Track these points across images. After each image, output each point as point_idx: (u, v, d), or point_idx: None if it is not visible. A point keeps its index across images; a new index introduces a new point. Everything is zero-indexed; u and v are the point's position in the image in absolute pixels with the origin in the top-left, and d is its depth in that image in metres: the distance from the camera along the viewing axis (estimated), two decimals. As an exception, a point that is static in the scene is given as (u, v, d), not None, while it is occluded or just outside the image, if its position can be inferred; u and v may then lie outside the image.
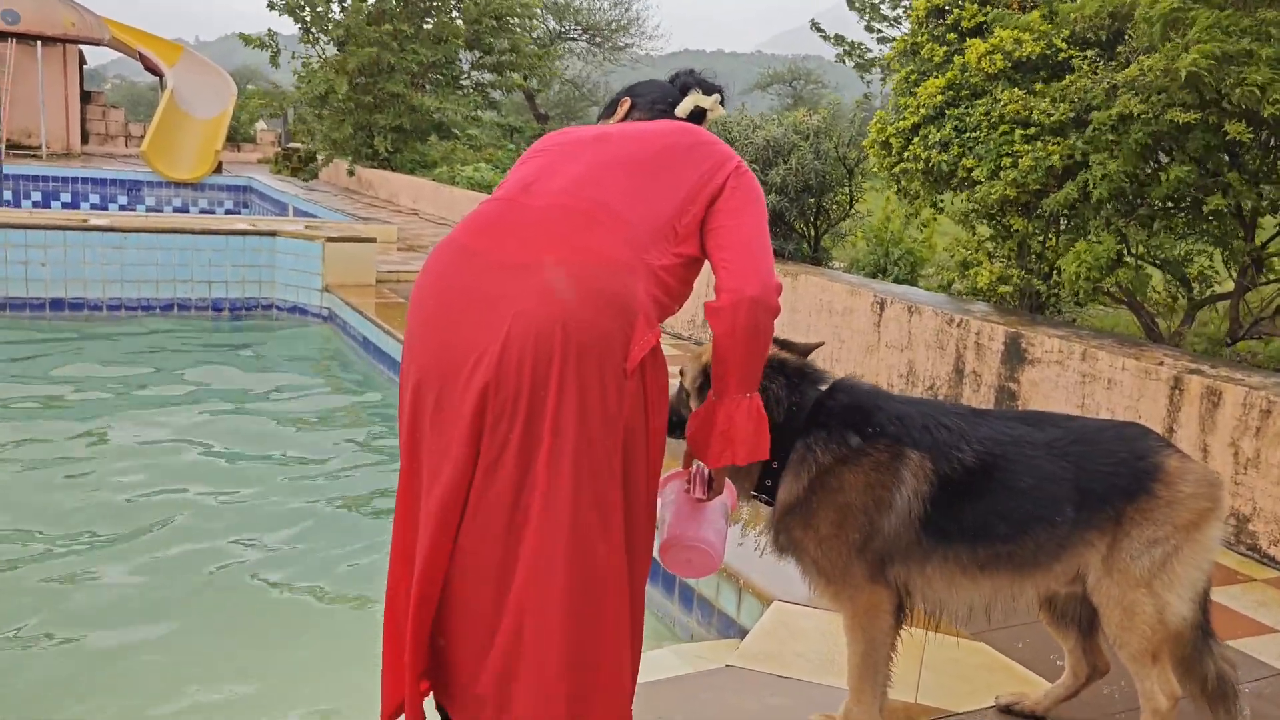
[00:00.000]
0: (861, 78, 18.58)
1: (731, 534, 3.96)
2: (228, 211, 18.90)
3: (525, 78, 23.57)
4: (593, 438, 1.93)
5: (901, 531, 2.36)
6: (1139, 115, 5.04)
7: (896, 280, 8.11)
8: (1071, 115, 5.56)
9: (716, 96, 2.49)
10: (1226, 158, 5.10)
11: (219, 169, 19.95)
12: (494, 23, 20.88)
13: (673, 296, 2.11)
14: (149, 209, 18.52)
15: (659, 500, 2.28)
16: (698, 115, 2.47)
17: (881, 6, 16.94)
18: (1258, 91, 4.54)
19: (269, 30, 20.12)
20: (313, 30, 19.81)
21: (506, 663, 2.00)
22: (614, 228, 2.01)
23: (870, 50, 18.21)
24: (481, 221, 2.07)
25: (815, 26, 18.46)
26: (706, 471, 2.36)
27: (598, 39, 30.12)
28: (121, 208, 18.47)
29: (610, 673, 2.03)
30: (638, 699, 2.85)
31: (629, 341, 1.95)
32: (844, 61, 18.73)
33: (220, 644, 3.83)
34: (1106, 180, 5.27)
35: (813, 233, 8.48)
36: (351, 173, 19.86)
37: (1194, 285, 5.93)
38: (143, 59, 22.61)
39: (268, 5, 19.66)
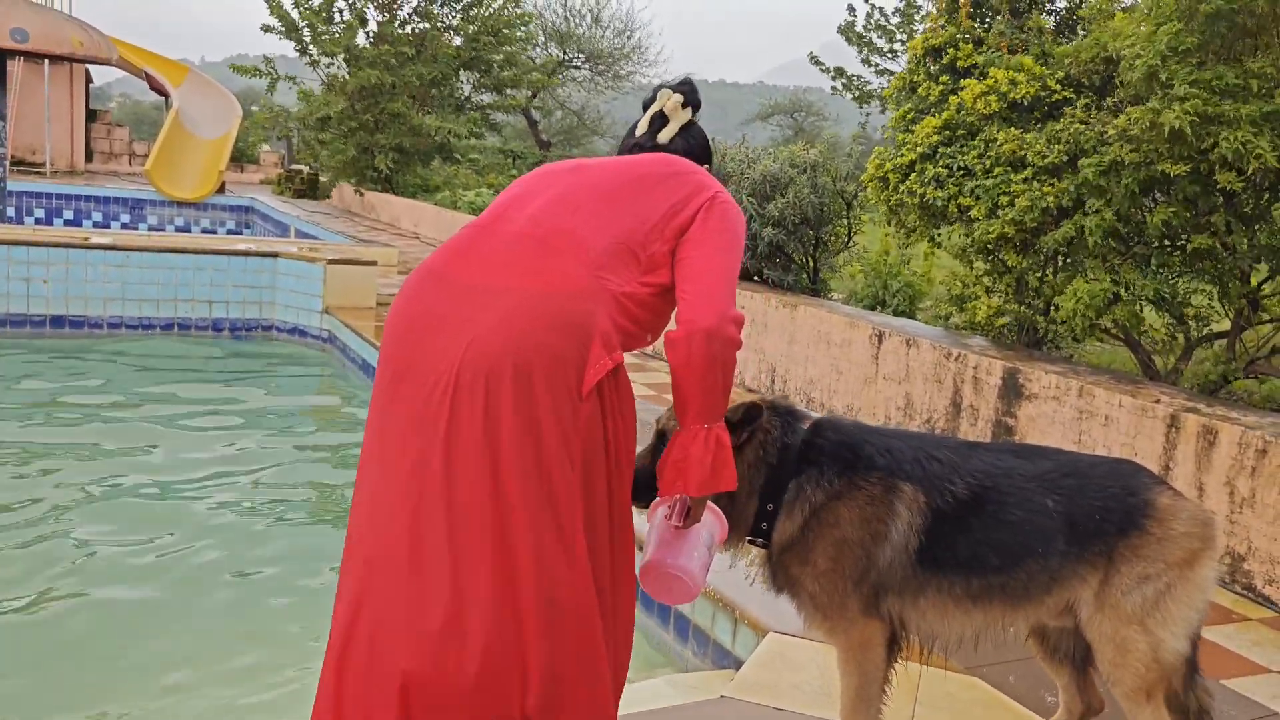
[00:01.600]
0: (860, 109, 18.72)
1: (724, 563, 3.97)
2: (230, 231, 18.95)
3: (531, 98, 23.74)
4: (547, 460, 1.95)
5: (896, 564, 2.38)
6: (1130, 163, 5.11)
7: (895, 313, 8.15)
8: (1065, 158, 5.63)
9: (670, 94, 2.44)
10: (1220, 199, 5.15)
11: (222, 189, 20.01)
12: (492, 39, 21.02)
13: (642, 325, 2.12)
14: (151, 228, 18.56)
15: (648, 525, 2.34)
16: (659, 121, 2.45)
17: (877, 41, 17.12)
18: (1241, 149, 4.62)
19: (265, 58, 20.23)
20: (311, 51, 19.94)
21: None
22: (573, 254, 2.04)
23: (869, 82, 18.36)
24: (454, 247, 2.14)
25: (814, 60, 18.62)
26: (687, 500, 2.34)
27: (600, 67, 30.31)
28: (124, 226, 18.51)
29: (580, 687, 2.03)
30: (632, 728, 2.85)
31: (584, 365, 1.97)
32: (841, 95, 18.89)
33: (217, 659, 3.82)
34: (1101, 226, 5.34)
35: (811, 264, 8.53)
36: (359, 193, 19.95)
37: (1191, 323, 5.97)
38: (149, 79, 22.73)
39: (262, 28, 19.77)
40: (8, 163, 14.23)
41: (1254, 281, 5.51)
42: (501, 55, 21.51)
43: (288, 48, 20.30)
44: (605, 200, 2.14)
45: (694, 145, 2.44)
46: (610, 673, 2.13)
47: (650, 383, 7.53)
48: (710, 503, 2.34)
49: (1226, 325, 5.80)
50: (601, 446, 2.03)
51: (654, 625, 4.05)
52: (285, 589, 4.54)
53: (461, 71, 21.74)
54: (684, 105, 2.43)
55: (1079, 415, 5.12)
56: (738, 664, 3.43)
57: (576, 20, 28.84)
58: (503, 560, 1.95)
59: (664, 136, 2.42)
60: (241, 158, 26.12)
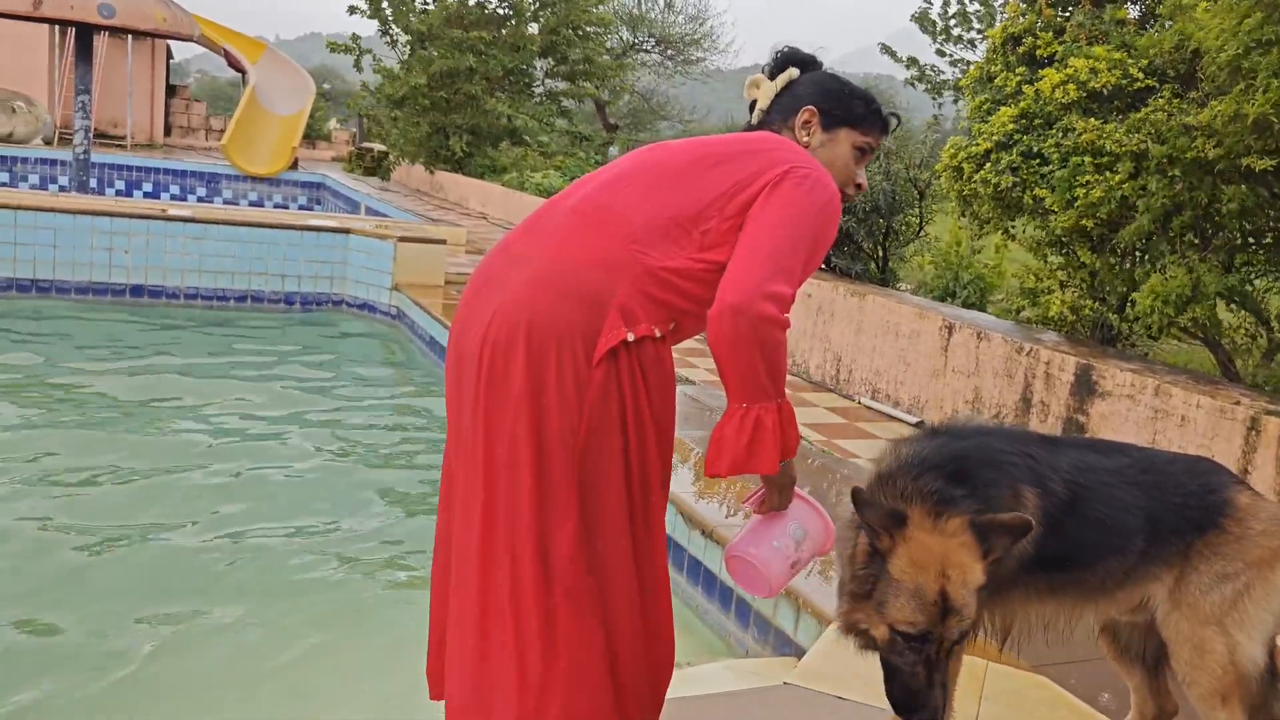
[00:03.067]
0: (933, 100, 18.43)
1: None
2: (301, 207, 19.26)
3: (597, 87, 23.76)
4: (549, 430, 1.97)
5: (1008, 569, 2.29)
6: (1213, 157, 4.98)
7: (965, 305, 8.04)
8: (1144, 147, 5.50)
9: (757, 82, 2.38)
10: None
11: (295, 165, 20.34)
12: (572, 33, 21.10)
13: (693, 300, 2.06)
14: (226, 202, 18.94)
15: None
16: (752, 105, 2.41)
17: (954, 29, 16.82)
18: None
19: (353, 35, 20.52)
20: (392, 30, 20.16)
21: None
22: (609, 227, 2.04)
23: (943, 72, 18.06)
24: (523, 223, 2.19)
25: (885, 49, 18.34)
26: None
27: (670, 51, 30.23)
28: (199, 199, 18.90)
29: (508, 692, 2.02)
30: (693, 709, 2.87)
31: (596, 334, 1.96)
32: (914, 86, 18.60)
33: (283, 631, 3.91)
34: (1178, 217, 5.22)
35: (881, 253, 8.44)
36: (431, 172, 20.16)
37: (1274, 324, 5.81)
38: (227, 55, 23.12)
39: (348, 9, 20.05)
40: (91, 135, 14.59)
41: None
42: (579, 52, 21.59)
43: (363, 28, 20.58)
44: (661, 178, 2.11)
45: (802, 99, 2.31)
46: (612, 662, 2.05)
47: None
48: (809, 501, 2.26)
49: (1312, 327, 5.64)
50: (617, 418, 1.99)
51: (715, 610, 4.06)
52: (349, 555, 4.62)
53: (536, 60, 21.87)
54: (772, 76, 2.37)
55: (1154, 415, 5.02)
56: (799, 652, 3.43)
57: (649, 4, 28.76)
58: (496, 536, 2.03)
59: (756, 116, 2.39)
60: (313, 134, 26.54)
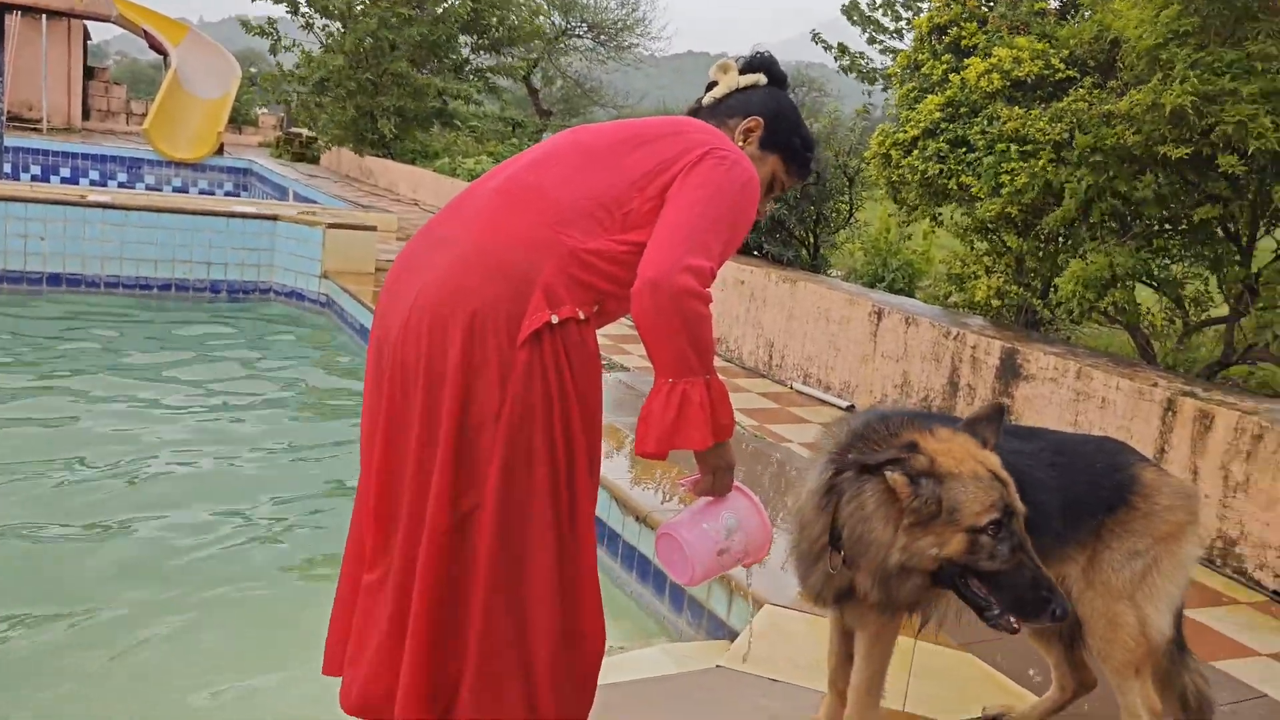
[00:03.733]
0: (863, 88, 18.61)
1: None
2: (227, 193, 18.87)
3: (532, 65, 23.63)
4: (474, 412, 1.97)
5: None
6: (1132, 144, 5.11)
7: (893, 290, 8.15)
8: (1066, 135, 5.62)
9: (724, 63, 2.40)
10: (1223, 182, 5.15)
11: (220, 150, 19.88)
12: (496, 9, 20.98)
13: (615, 282, 2.05)
14: (149, 187, 18.49)
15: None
16: (709, 86, 2.43)
17: (883, 20, 17.00)
18: (1245, 125, 4.61)
19: (269, 19, 20.08)
20: (305, 12, 19.79)
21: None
22: (533, 208, 2.04)
23: (872, 60, 18.25)
24: (447, 206, 2.19)
25: (816, 38, 18.48)
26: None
27: (603, 37, 30.11)
28: (121, 185, 18.43)
29: (416, 680, 2.02)
30: (627, 694, 2.88)
31: (520, 315, 1.96)
32: (845, 73, 18.77)
33: (210, 625, 3.84)
34: (1095, 204, 5.34)
35: (812, 240, 8.52)
36: (361, 155, 19.83)
37: (1189, 308, 5.99)
38: (147, 37, 22.50)
39: None
40: (4, 118, 14.13)
41: (1253, 267, 5.53)
42: (497, 18, 21.42)
43: (280, 11, 20.15)
44: (585, 159, 2.11)
45: (754, 107, 2.33)
46: (532, 641, 2.04)
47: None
48: (750, 495, 2.23)
49: (1225, 311, 5.81)
50: (541, 401, 1.98)
51: (650, 595, 4.08)
52: (278, 545, 4.55)
53: (461, 35, 21.63)
54: (742, 71, 2.38)
55: (1076, 397, 5.15)
56: (733, 635, 3.46)
57: (580, -12, 28.61)
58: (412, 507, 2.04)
59: (707, 99, 2.39)
60: (239, 119, 25.96)
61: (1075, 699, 2.80)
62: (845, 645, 2.51)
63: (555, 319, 1.97)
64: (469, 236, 2.04)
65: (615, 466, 4.66)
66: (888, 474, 2.06)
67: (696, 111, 2.39)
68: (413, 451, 2.01)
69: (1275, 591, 4.23)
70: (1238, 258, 5.48)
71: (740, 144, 2.28)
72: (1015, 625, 2.07)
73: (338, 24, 19.72)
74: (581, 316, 2.02)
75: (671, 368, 1.98)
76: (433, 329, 1.98)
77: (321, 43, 20.20)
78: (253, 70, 25.26)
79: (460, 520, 1.99)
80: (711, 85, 2.41)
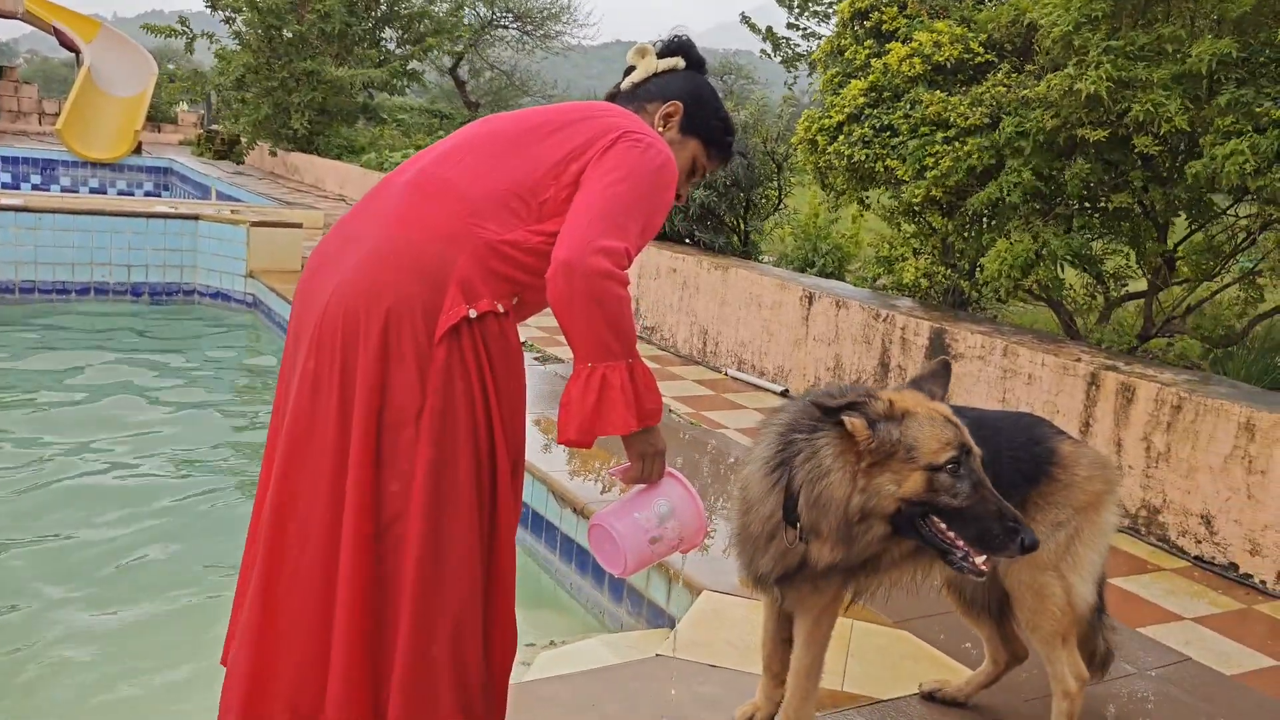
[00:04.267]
0: (789, 71, 18.77)
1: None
2: (148, 193, 18.42)
3: (458, 58, 23.41)
4: (391, 409, 1.93)
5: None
6: (1050, 128, 5.20)
7: (824, 275, 8.22)
8: (987, 120, 5.71)
9: (644, 51, 2.35)
10: (1139, 162, 5.27)
11: (138, 150, 19.40)
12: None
13: (532, 272, 2.01)
14: (64, 189, 17.98)
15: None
16: (627, 71, 2.39)
17: (810, 4, 17.16)
18: (1153, 110, 4.73)
19: (180, 16, 19.63)
20: (222, 6, 19.39)
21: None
22: (445, 201, 2.00)
23: (798, 45, 18.41)
24: (359, 202, 2.15)
25: (745, 20, 18.60)
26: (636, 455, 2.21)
27: (529, 27, 29.93)
28: (35, 187, 17.89)
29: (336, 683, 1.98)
30: (568, 687, 2.87)
31: (436, 311, 1.93)
32: (770, 57, 18.92)
33: (132, 636, 3.75)
34: (1020, 186, 5.44)
35: (742, 227, 8.56)
36: (273, 154, 19.44)
37: (1110, 284, 6.12)
38: (58, 34, 21.86)
39: None
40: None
41: (1169, 243, 5.67)
42: (415, 7, 21.18)
43: (200, 4, 19.71)
44: (496, 148, 2.08)
45: (672, 91, 2.30)
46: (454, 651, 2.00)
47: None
48: (683, 481, 2.17)
49: (1144, 285, 5.96)
50: (463, 397, 1.95)
51: (588, 586, 4.08)
52: (205, 549, 4.46)
53: (383, 28, 21.35)
54: (660, 55, 2.35)
55: (1004, 374, 5.24)
56: (673, 623, 3.47)
57: (504, -21, 28.41)
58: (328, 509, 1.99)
59: (626, 84, 2.36)
60: (159, 117, 25.34)
61: (1009, 670, 2.86)
62: (782, 629, 2.51)
63: (473, 313, 1.94)
64: (382, 233, 2.00)
65: (552, 459, 4.65)
66: (845, 418, 2.07)
67: (615, 97, 2.36)
68: (329, 454, 1.95)
69: (1197, 557, 4.36)
70: (1155, 234, 5.61)
71: (660, 129, 2.26)
72: (981, 567, 2.08)
73: (250, 18, 19.29)
74: (500, 310, 1.99)
75: (590, 352, 1.94)
76: (347, 328, 1.94)
77: (239, 38, 19.78)
78: (170, 67, 24.64)
79: (386, 522, 1.94)
80: (630, 70, 2.38)
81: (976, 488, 2.07)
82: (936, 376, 2.29)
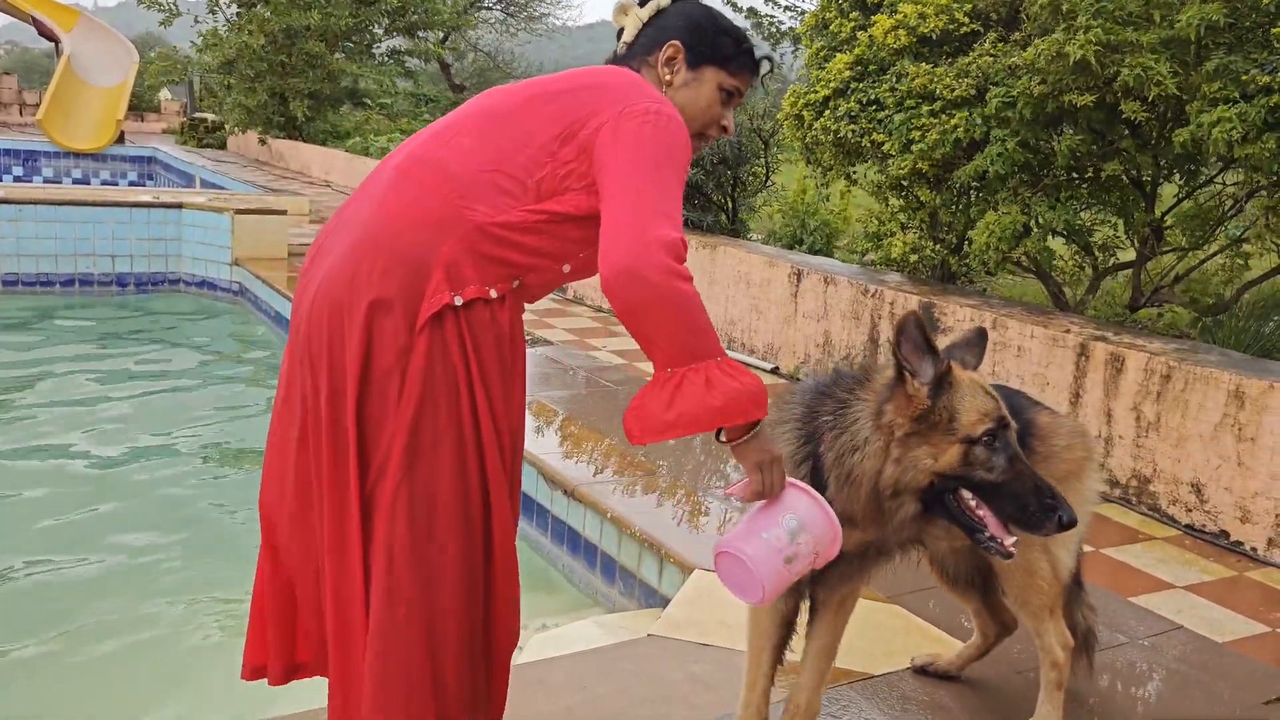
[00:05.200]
0: (773, 48, 18.66)
1: (650, 503, 4.00)
2: (131, 183, 18.30)
3: (442, 40, 23.24)
4: (369, 399, 1.89)
5: None
6: (1038, 95, 5.17)
7: (812, 251, 8.19)
8: (974, 91, 5.67)
9: (625, 8, 2.20)
10: (1126, 130, 5.25)
11: (121, 139, 19.21)
12: None
13: (542, 254, 1.94)
14: (47, 180, 17.83)
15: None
16: (620, 34, 2.23)
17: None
18: (1143, 73, 4.69)
19: None
20: None
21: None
22: (431, 182, 1.92)
23: (783, 22, 18.31)
24: (359, 186, 2.09)
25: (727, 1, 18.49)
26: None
27: (512, 9, 29.75)
28: (17, 179, 17.73)
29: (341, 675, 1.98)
30: (560, 668, 2.86)
31: (420, 298, 1.86)
32: (755, 34, 18.82)
33: (130, 624, 3.73)
34: (1004, 157, 5.41)
35: (730, 204, 8.52)
36: (263, 142, 19.30)
37: (1098, 254, 6.11)
38: (36, 24, 21.60)
39: None
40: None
41: (1157, 212, 5.65)
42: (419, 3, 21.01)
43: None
44: (490, 124, 1.98)
45: (667, 32, 2.13)
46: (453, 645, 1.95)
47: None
48: (808, 489, 1.97)
49: (1132, 255, 5.94)
50: (448, 386, 1.88)
51: (580, 568, 4.07)
52: (195, 541, 4.44)
53: (372, 19, 21.18)
54: (642, 3, 2.19)
55: (993, 347, 5.22)
56: (665, 603, 3.46)
57: (487, -40, 28.22)
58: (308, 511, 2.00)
59: (621, 47, 2.22)
60: (141, 106, 25.14)
61: (999, 642, 2.85)
62: (783, 633, 2.38)
63: (459, 300, 1.86)
64: (369, 219, 1.93)
65: (543, 442, 4.63)
66: (908, 380, 1.96)
67: (615, 62, 2.21)
68: (325, 448, 1.92)
69: (1188, 526, 4.36)
70: (1143, 203, 5.60)
71: (669, 77, 2.12)
72: (1010, 549, 1.99)
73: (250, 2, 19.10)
74: (493, 295, 1.90)
75: (672, 357, 1.81)
76: (332, 317, 1.89)
77: (229, 21, 19.57)
78: (152, 54, 24.40)
79: (366, 511, 1.91)
80: (620, 32, 2.25)
81: (1012, 462, 1.98)
82: (971, 345, 2.19)
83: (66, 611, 3.81)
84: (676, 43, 2.12)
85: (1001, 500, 1.97)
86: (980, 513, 1.98)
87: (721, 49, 2.14)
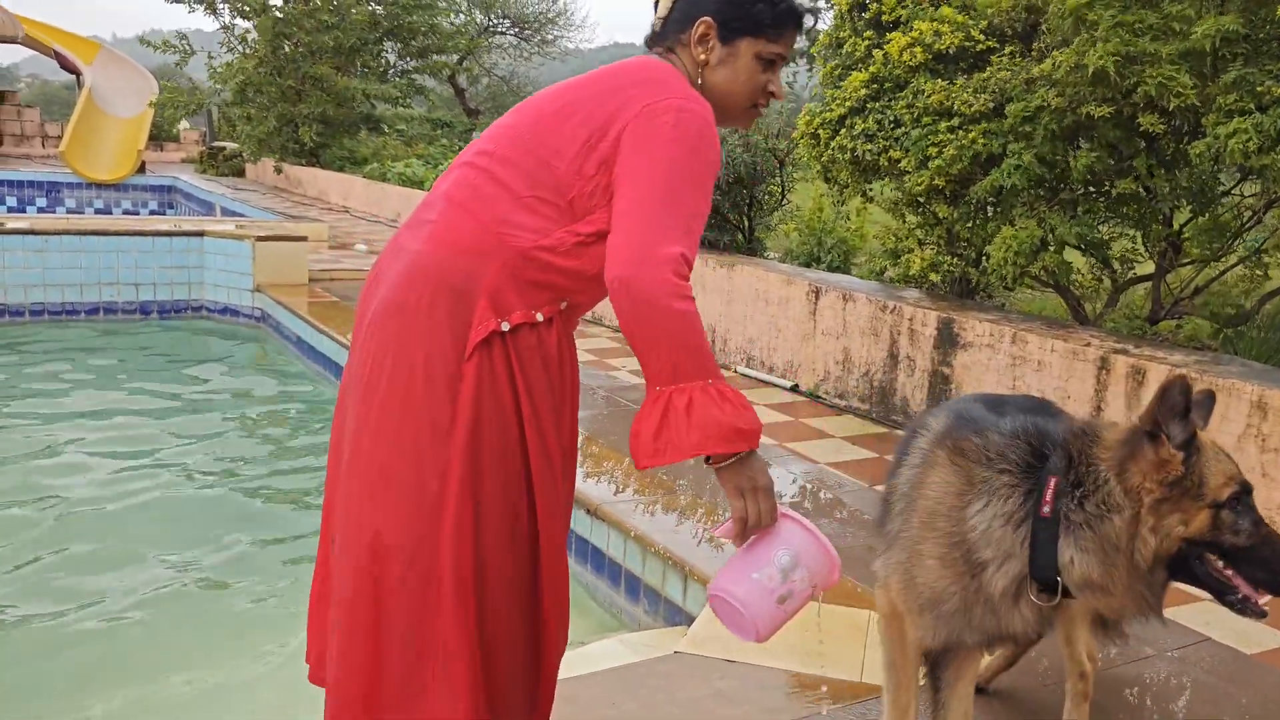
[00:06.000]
0: (787, 67, 18.70)
1: (671, 522, 4.01)
2: (152, 212, 18.49)
3: (457, 64, 23.51)
4: (413, 430, 1.87)
5: None
6: (1055, 107, 5.18)
7: (830, 269, 8.22)
8: (992, 106, 5.70)
9: None
10: (1142, 144, 5.26)
11: (142, 169, 19.50)
12: (413, 3, 20.85)
13: (576, 277, 1.90)
14: (70, 211, 18.05)
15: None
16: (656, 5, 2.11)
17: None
18: (1165, 84, 4.71)
19: (177, 32, 19.71)
20: (222, 14, 19.50)
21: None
22: (474, 210, 1.90)
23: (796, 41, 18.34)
24: (414, 210, 2.09)
25: None
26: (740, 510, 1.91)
27: (526, 32, 29.99)
28: (40, 210, 17.97)
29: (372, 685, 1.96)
30: (588, 687, 2.87)
31: (467, 327, 1.85)
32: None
33: (161, 649, 3.77)
34: (1021, 170, 5.42)
35: (747, 223, 8.55)
36: (279, 170, 19.49)
37: (1117, 267, 6.11)
38: (59, 57, 22.02)
39: None
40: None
41: (1175, 225, 5.65)
42: (419, 19, 21.26)
43: (201, 22, 19.82)
44: (523, 142, 1.94)
45: (698, 7, 2.02)
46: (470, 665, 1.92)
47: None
48: (802, 521, 1.91)
49: (1151, 268, 5.94)
50: (495, 411, 1.87)
51: (605, 586, 4.08)
52: (227, 563, 4.48)
53: (385, 41, 21.44)
54: None
55: (1013, 361, 5.23)
56: (690, 620, 3.47)
57: (500, -16, 28.50)
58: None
59: (656, 23, 2.09)
60: (161, 136, 25.44)
61: (1026, 651, 2.85)
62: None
63: (506, 326, 1.86)
64: (418, 247, 1.93)
65: (563, 461, 4.65)
66: (1163, 443, 1.89)
67: (652, 40, 2.13)
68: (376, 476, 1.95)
69: (1214, 538, 4.33)
70: (1160, 217, 5.60)
71: (703, 56, 2.03)
72: (1263, 609, 1.91)
73: (253, 25, 19.38)
74: (539, 318, 1.90)
75: (659, 374, 1.79)
76: (381, 345, 1.91)
77: (238, 48, 19.85)
78: (165, 83, 24.76)
79: (417, 541, 1.91)
80: (655, 6, 2.16)
81: (1257, 525, 1.91)
82: (1200, 406, 2.05)
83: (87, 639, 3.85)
84: (708, 19, 2.02)
85: (1250, 564, 1.90)
86: (1228, 573, 1.92)
87: (756, 16, 2.02)
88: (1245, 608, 1.91)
